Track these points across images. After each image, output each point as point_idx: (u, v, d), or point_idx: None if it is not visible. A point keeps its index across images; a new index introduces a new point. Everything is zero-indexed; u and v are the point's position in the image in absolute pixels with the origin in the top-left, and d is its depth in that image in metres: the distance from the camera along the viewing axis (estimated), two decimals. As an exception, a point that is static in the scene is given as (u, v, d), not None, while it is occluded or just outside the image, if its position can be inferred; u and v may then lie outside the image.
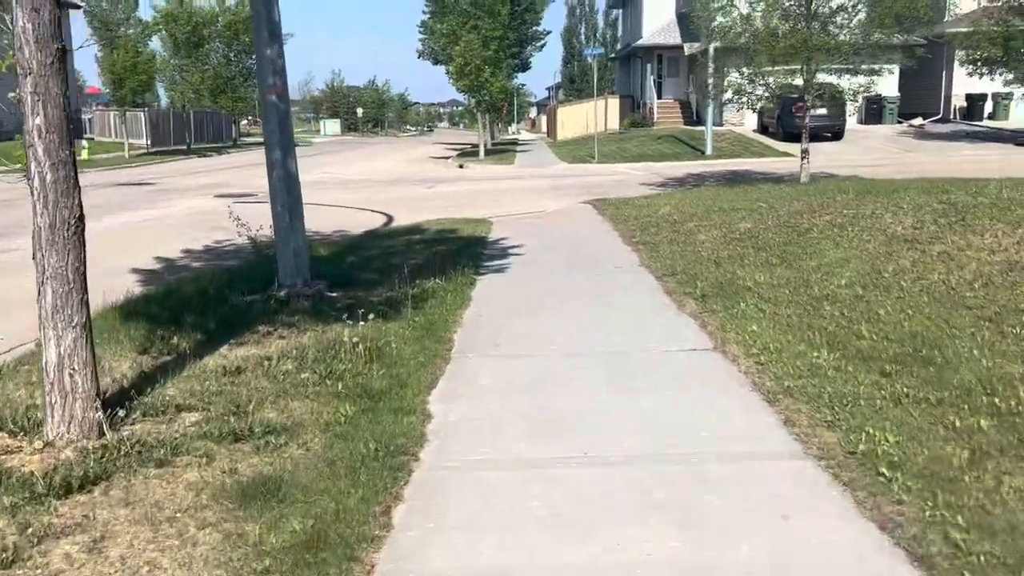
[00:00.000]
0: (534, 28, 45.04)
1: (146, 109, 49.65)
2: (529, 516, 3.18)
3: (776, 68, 15.59)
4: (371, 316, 5.77)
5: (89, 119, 50.05)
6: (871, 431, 3.71)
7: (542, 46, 46.50)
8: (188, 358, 5.13)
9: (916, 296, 6.00)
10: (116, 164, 33.55)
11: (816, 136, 31.82)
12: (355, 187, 21.28)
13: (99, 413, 3.92)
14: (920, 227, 8.13)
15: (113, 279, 9.00)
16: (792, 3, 15.04)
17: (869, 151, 27.94)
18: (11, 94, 3.83)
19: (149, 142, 48.33)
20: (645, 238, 9.79)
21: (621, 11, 55.09)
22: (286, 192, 6.82)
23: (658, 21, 43.63)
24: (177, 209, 15.93)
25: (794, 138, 31.41)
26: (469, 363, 5.12)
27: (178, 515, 3.19)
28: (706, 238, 9.35)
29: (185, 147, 45.96)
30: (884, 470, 3.35)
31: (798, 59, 14.90)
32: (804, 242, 8.37)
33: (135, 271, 9.42)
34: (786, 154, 28.11)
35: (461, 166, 31.66)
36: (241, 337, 5.68)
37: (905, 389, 4.19)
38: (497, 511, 3.23)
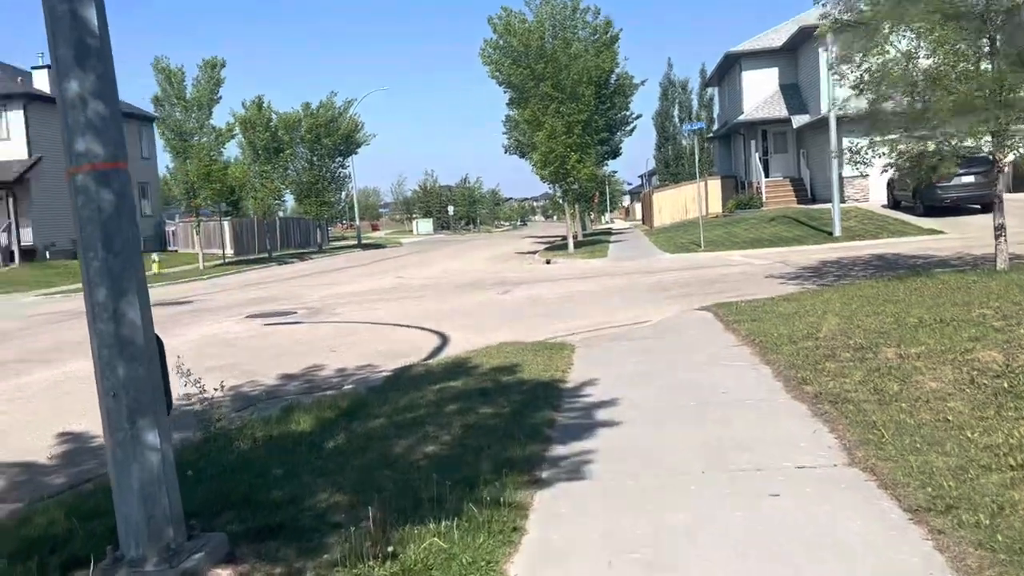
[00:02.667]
0: (623, 113, 42.06)
1: (229, 218, 48.76)
2: None
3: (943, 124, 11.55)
4: None
5: (172, 231, 49.41)
6: None
7: (632, 130, 43.44)
8: None
9: None
10: (186, 277, 31.68)
11: (960, 208, 27.13)
12: (423, 294, 18.03)
13: None
14: None
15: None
16: (968, 36, 11.08)
17: (1039, 222, 23.08)
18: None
19: (232, 251, 47.18)
20: (825, 385, 5.82)
21: (717, 89, 51.79)
22: (121, 367, 3.28)
23: (760, 95, 40.08)
24: (187, 339, 12.86)
25: (936, 212, 26.81)
26: None
27: None
28: (941, 386, 5.34)
29: (267, 255, 44.34)
30: None
31: (985, 108, 10.83)
32: None
33: (8, 468, 6.06)
34: (932, 231, 23.58)
35: (548, 262, 28.30)
36: None
37: None
38: None
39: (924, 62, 11.33)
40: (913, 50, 11.44)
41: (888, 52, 11.33)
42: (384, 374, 8.53)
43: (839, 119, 27.11)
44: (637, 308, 13.12)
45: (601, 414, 5.78)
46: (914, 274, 12.63)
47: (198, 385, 6.25)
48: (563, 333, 10.94)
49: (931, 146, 11.69)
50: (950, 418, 4.66)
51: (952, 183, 26.17)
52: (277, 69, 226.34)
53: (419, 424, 5.81)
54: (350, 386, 8.07)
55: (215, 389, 6.44)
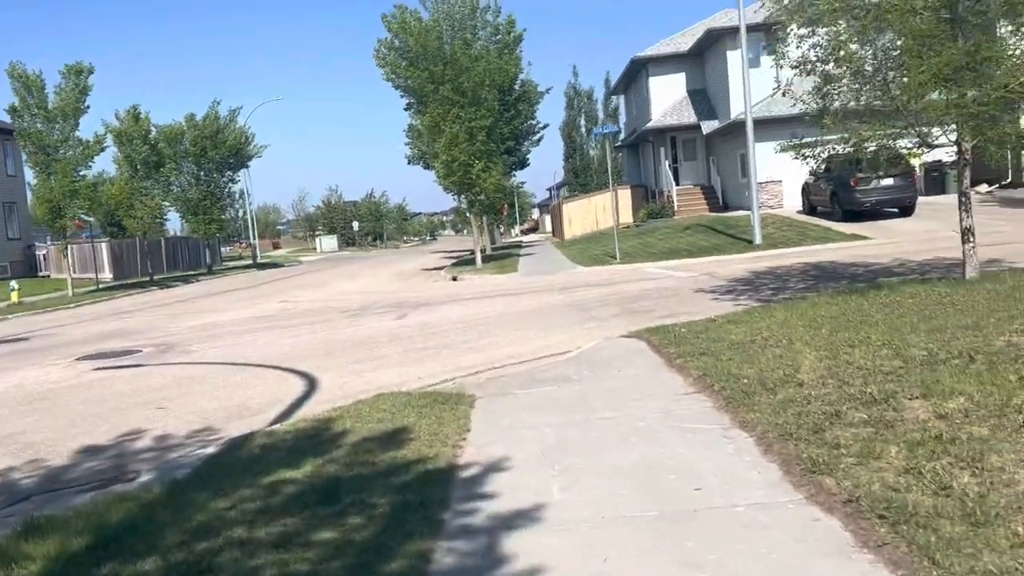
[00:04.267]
0: (529, 122, 40.22)
1: (107, 240, 44.77)
2: None
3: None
4: None
5: (44, 255, 45.02)
6: None
7: (539, 140, 41.66)
8: None
9: None
10: (49, 306, 28.10)
11: (879, 213, 26.18)
12: (306, 323, 15.53)
13: None
14: None
15: None
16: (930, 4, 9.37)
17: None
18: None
19: (111, 275, 43.21)
20: (854, 475, 3.73)
21: (623, 97, 50.66)
22: None
23: (667, 101, 38.90)
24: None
25: (855, 217, 25.74)
26: None
27: None
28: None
29: (148, 278, 40.65)
30: None
31: (958, 85, 9.10)
32: None
33: None
34: (857, 236, 22.36)
35: (454, 279, 26.11)
36: None
37: None
38: None
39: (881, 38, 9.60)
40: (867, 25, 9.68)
41: (840, 24, 9.55)
42: (210, 450, 6.12)
43: (756, 121, 25.77)
44: (554, 334, 11.02)
45: (510, 546, 3.54)
46: (871, 287, 10.90)
47: None
48: (464, 371, 8.74)
49: (885, 141, 9.91)
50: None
51: (871, 186, 25.16)
52: (158, 80, 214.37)
53: (205, 574, 3.47)
54: (148, 476, 5.62)
55: None
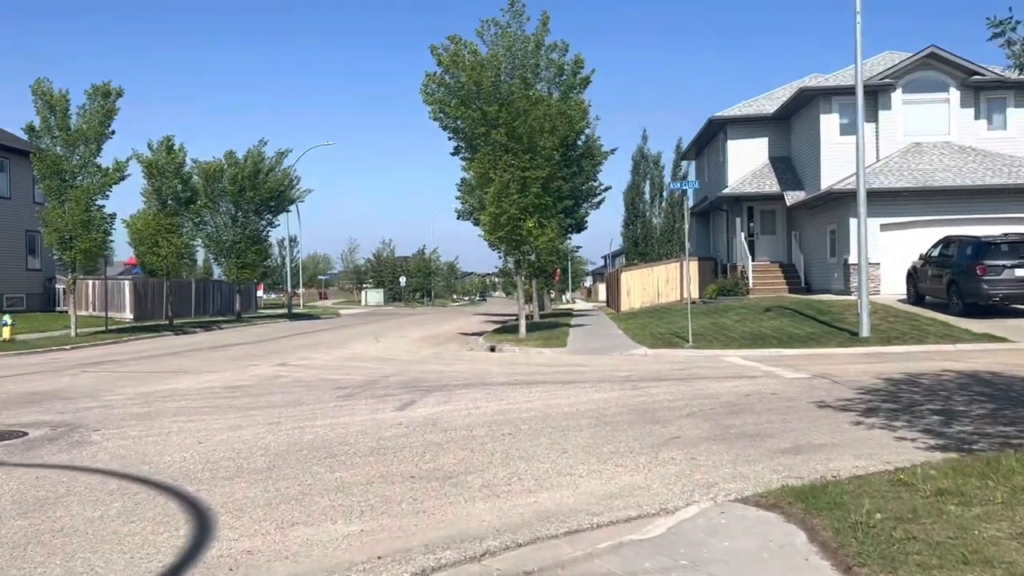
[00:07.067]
0: (590, 183, 36.35)
1: (130, 277, 42.05)
2: None
3: None
4: None
5: (63, 289, 42.40)
6: None
7: (599, 203, 37.67)
8: None
9: None
10: (42, 347, 24.96)
11: (1007, 309, 21.73)
12: (281, 402, 11.76)
13: None
14: None
15: None
16: None
17: None
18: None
19: (132, 315, 40.38)
20: None
21: (694, 162, 46.92)
22: None
23: (746, 167, 35.01)
24: None
25: (978, 312, 21.37)
26: None
27: None
28: None
29: (167, 321, 37.57)
30: None
31: None
32: None
33: None
34: (990, 337, 17.91)
35: (492, 348, 22.32)
36: None
37: None
38: None
39: None
40: None
41: None
42: None
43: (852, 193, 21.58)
44: (618, 467, 6.99)
45: None
46: None
47: None
48: (464, 549, 4.81)
49: None
50: None
51: (1002, 277, 20.82)
52: (207, 125, 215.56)
53: None
54: None
55: None
